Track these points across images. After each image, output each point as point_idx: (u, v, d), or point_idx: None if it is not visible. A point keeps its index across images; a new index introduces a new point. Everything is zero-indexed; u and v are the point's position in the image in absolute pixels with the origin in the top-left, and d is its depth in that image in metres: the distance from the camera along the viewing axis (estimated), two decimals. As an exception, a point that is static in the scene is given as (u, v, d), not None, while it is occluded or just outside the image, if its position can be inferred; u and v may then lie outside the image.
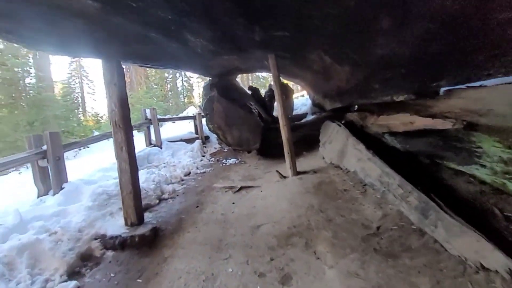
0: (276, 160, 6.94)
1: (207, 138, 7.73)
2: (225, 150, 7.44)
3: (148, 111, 6.66)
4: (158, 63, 4.35)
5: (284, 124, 4.98)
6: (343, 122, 6.94)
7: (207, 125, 7.06)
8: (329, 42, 3.31)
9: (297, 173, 4.95)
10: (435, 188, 3.00)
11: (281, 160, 7.01)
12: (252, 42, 4.02)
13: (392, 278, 2.06)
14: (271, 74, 5.72)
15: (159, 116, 6.96)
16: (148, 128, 6.70)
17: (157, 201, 4.32)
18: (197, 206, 4.17)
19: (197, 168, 6.10)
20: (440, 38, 2.04)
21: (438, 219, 2.33)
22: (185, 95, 37.55)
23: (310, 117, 10.38)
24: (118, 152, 3.23)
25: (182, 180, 5.38)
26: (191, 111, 20.77)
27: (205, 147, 7.46)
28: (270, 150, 7.56)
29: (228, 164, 6.58)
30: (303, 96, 14.11)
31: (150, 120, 6.64)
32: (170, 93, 36.67)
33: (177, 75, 37.77)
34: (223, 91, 7.33)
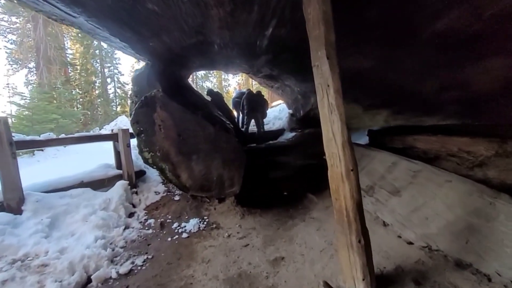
0: (271, 215, 3.78)
1: (140, 174, 4.04)
2: (176, 199, 3.90)
3: None
4: None
5: (350, 168, 1.88)
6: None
7: (140, 152, 3.47)
8: None
9: (375, 282, 1.87)
10: None
11: (283, 215, 3.85)
12: None
13: None
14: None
15: (17, 137, 2.89)
16: None
17: None
18: None
19: (112, 262, 2.47)
20: None
21: None
22: (117, 103, 31.36)
23: (289, 135, 7.55)
24: None
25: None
26: (123, 121, 15.88)
27: (136, 193, 3.80)
28: (255, 193, 4.34)
29: (184, 235, 3.09)
30: (276, 106, 11.19)
31: None
32: (99, 100, 30.13)
33: (109, 80, 31.58)
34: (172, 90, 3.87)
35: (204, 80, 34.55)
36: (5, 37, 25.26)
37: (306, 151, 5.66)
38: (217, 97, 6.54)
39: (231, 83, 37.02)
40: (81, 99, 32.63)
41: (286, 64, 4.08)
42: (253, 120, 7.39)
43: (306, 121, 6.35)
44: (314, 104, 5.22)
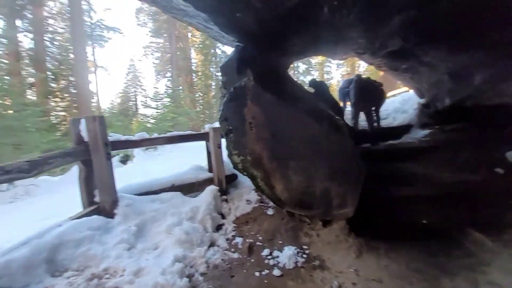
0: (405, 257, 2.46)
1: (231, 178, 3.57)
2: (269, 213, 3.16)
3: (83, 123, 2.39)
4: None
5: None
6: None
7: (229, 155, 2.91)
8: None
9: None
10: None
11: (428, 264, 2.37)
12: None
13: None
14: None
15: (114, 136, 2.87)
16: (88, 164, 2.46)
17: None
18: None
19: (187, 299, 1.94)
20: None
21: None
22: (228, 102, 34.88)
23: (419, 133, 5.54)
24: None
25: None
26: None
27: (226, 200, 3.32)
28: (376, 219, 3.08)
29: (276, 271, 2.28)
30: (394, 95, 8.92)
31: (88, 146, 2.42)
32: (214, 100, 34.49)
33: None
34: (265, 80, 3.12)
35: (305, 75, 33.54)
36: (153, 55, 32.43)
37: (456, 158, 3.77)
38: (321, 88, 5.44)
39: (334, 76, 34.43)
40: (201, 100, 38.24)
41: (437, 24, 2.56)
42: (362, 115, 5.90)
43: (454, 114, 4.33)
44: (480, 86, 3.31)
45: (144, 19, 29.22)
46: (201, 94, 36.33)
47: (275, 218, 3.03)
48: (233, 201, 3.35)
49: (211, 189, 3.14)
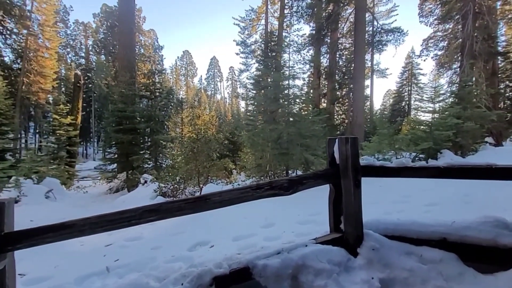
0: None
1: None
2: None
3: (337, 143, 2.32)
4: None
5: None
6: None
7: None
8: None
9: None
10: None
11: None
12: None
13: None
14: None
15: (367, 161, 2.18)
16: (337, 187, 2.19)
17: None
18: None
19: None
20: None
21: None
22: None
23: None
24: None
25: None
26: None
27: None
28: None
29: None
30: None
31: (339, 169, 2.56)
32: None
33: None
34: None
35: None
36: (437, 45, 27.82)
37: None
38: None
39: None
40: (510, 93, 26.95)
41: None
42: None
43: None
44: None
45: (430, 8, 25.63)
46: (510, 84, 25.31)
47: None
48: None
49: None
